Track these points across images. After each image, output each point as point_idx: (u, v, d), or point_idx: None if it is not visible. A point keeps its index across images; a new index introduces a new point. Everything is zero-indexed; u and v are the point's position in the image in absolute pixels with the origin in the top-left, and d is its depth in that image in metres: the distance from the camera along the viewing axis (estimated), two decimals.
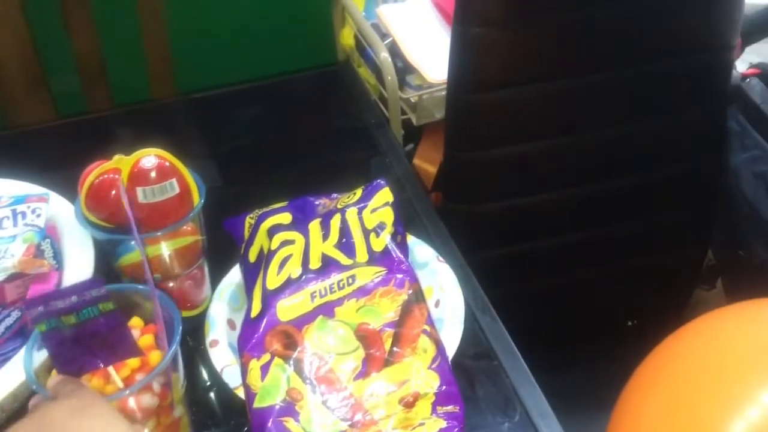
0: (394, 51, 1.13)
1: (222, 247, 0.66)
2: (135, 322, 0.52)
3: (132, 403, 0.47)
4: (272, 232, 0.63)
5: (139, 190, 0.55)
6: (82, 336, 0.46)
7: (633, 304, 1.09)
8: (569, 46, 0.85)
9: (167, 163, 0.56)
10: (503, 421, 0.58)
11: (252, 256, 0.64)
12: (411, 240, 0.69)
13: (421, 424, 0.53)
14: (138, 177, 0.55)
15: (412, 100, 1.11)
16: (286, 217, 0.65)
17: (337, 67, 1.11)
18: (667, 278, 1.08)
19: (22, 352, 0.52)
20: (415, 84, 1.13)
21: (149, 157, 0.55)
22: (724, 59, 0.89)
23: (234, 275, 0.66)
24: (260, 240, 0.64)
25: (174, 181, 0.56)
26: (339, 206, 0.66)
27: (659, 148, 0.95)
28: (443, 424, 0.53)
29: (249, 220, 0.66)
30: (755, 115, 0.90)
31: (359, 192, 0.67)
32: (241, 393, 0.56)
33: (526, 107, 0.87)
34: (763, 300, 0.72)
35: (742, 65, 1.05)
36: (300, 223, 0.65)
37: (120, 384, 0.49)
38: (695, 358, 0.62)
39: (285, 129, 0.95)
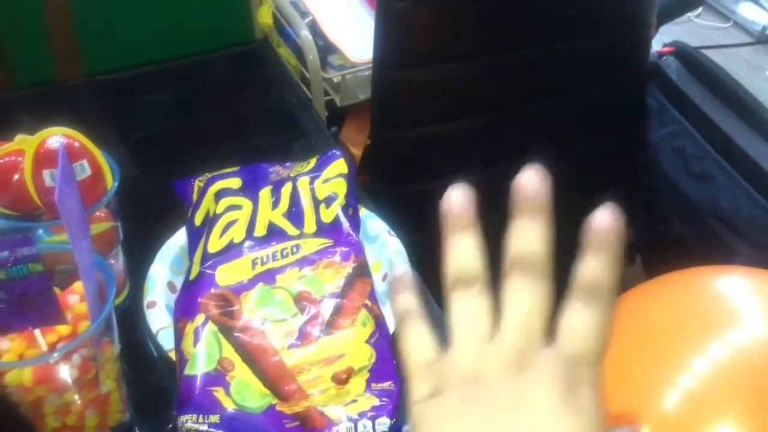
0: (315, 30, 1.09)
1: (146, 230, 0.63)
2: (76, 287, 0.48)
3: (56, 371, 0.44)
4: (219, 195, 0.62)
5: (46, 173, 0.50)
6: (11, 294, 0.42)
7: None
8: (490, 22, 0.85)
9: (77, 144, 0.51)
10: None
11: (198, 220, 0.62)
12: (363, 213, 0.67)
13: (354, 402, 0.51)
14: (44, 158, 0.50)
15: (335, 80, 1.08)
16: (235, 182, 0.64)
17: (255, 46, 1.07)
18: None
19: None
20: (337, 64, 1.10)
21: (56, 137, 0.50)
22: (642, 36, 0.91)
23: (179, 237, 0.64)
24: (207, 203, 0.62)
25: (85, 162, 0.51)
26: (291, 174, 0.65)
27: (581, 125, 0.96)
28: (376, 401, 0.51)
29: (198, 183, 0.65)
30: (672, 92, 0.92)
31: (313, 161, 0.66)
32: (173, 356, 0.54)
33: (450, 84, 0.87)
34: (683, 271, 0.74)
35: (656, 45, 1.08)
36: (249, 189, 0.63)
37: (44, 348, 0.46)
38: (623, 333, 0.62)
39: (201, 112, 0.90)
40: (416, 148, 0.90)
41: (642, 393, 0.54)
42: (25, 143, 0.51)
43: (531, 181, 0.31)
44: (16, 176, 0.52)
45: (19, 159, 0.52)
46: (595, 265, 0.30)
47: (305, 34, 1.04)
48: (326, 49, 1.09)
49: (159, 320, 0.58)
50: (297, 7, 1.12)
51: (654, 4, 0.90)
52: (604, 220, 0.30)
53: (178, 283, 0.60)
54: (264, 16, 1.18)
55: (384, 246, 0.66)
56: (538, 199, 0.31)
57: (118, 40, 0.99)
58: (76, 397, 0.47)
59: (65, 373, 0.45)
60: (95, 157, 0.52)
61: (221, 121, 0.89)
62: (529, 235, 0.31)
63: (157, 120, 0.90)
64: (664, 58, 0.96)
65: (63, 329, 0.47)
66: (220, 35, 1.00)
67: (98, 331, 0.46)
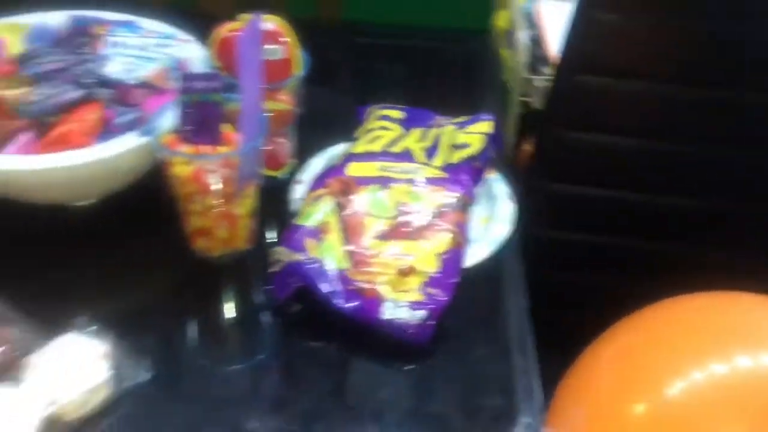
0: (537, 41, 1.20)
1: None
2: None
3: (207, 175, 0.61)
4: (380, 118, 0.77)
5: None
6: (196, 114, 0.61)
7: None
8: (694, 54, 0.87)
9: (280, 31, 0.68)
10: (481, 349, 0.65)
11: (358, 134, 0.76)
12: (493, 176, 0.77)
13: (405, 291, 0.61)
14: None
15: (541, 85, 1.18)
16: (398, 114, 0.78)
17: (483, 37, 1.21)
18: None
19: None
20: (546, 74, 1.19)
21: (267, 22, 0.67)
22: None
23: (344, 147, 0.78)
24: (370, 121, 0.77)
25: (280, 47, 0.68)
26: (443, 123, 0.77)
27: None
28: (423, 299, 0.61)
29: (372, 109, 0.80)
30: None
31: (467, 118, 0.78)
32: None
33: (631, 100, 0.91)
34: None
35: None
36: (406, 122, 0.77)
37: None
38: (647, 333, 0.65)
39: (417, 75, 1.05)
40: (580, 152, 0.95)
41: (650, 377, 0.57)
42: (243, 20, 0.68)
43: None
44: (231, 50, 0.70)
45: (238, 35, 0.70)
46: None
47: (527, 42, 1.15)
48: (541, 60, 1.19)
49: (298, 192, 0.74)
50: (529, 18, 1.23)
51: None
52: None
53: None
54: (501, 20, 1.31)
55: (497, 206, 0.75)
56: None
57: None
58: (215, 203, 0.63)
59: (214, 179, 0.62)
60: (291, 48, 0.69)
61: (425, 80, 1.03)
62: None
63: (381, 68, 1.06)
64: None
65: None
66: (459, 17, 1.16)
67: (244, 160, 0.62)
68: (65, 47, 0.71)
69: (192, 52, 0.74)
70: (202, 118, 0.63)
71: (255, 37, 0.60)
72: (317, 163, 0.78)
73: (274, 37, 0.68)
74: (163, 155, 0.62)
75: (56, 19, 0.78)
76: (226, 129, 0.64)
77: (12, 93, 0.65)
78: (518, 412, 0.58)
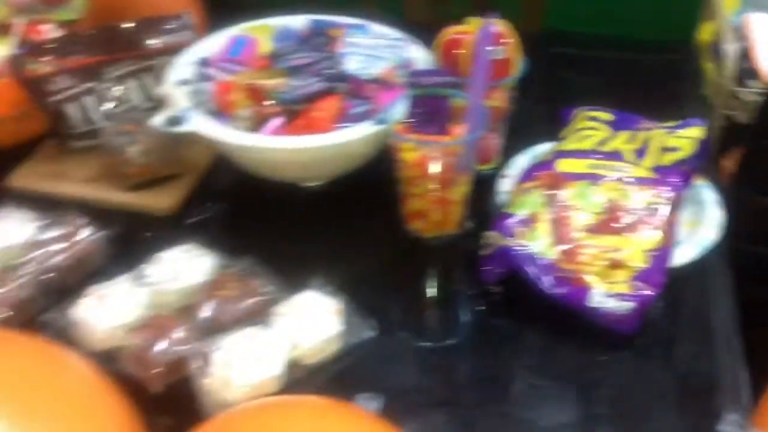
0: (745, 54, 1.16)
1: None
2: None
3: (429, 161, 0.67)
4: (589, 119, 0.80)
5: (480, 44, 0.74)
6: (422, 106, 0.67)
7: None
8: None
9: (504, 33, 0.73)
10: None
11: (565, 133, 0.80)
12: (700, 182, 0.78)
13: (613, 283, 0.64)
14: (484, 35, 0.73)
15: (748, 98, 1.14)
16: (607, 116, 0.81)
17: (686, 49, 1.19)
18: None
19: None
20: (753, 88, 1.16)
21: (493, 26, 0.73)
22: None
23: (549, 146, 0.82)
24: (579, 121, 0.81)
25: (502, 48, 0.73)
26: (651, 127, 0.79)
27: None
28: (630, 290, 0.63)
29: (580, 111, 0.83)
30: None
31: (677, 123, 0.79)
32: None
33: None
34: None
35: None
36: (615, 125, 0.79)
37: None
38: None
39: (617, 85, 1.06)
40: None
41: None
42: (472, 23, 0.74)
43: None
44: (460, 50, 0.76)
45: (465, 37, 0.76)
46: None
47: (733, 52, 1.12)
48: (749, 73, 1.15)
49: (504, 185, 0.79)
50: (737, 31, 1.20)
51: None
52: None
53: None
54: (705, 32, 1.28)
55: (704, 212, 0.75)
56: None
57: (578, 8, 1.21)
58: (433, 187, 0.69)
59: (434, 166, 0.68)
60: (512, 49, 0.73)
61: (626, 90, 1.03)
62: None
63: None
64: None
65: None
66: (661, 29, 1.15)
67: (464, 150, 0.67)
68: (308, 46, 0.81)
69: (416, 53, 0.82)
70: (429, 110, 0.70)
71: (488, 38, 0.66)
72: (521, 160, 0.83)
73: (498, 38, 0.74)
74: (394, 141, 0.69)
75: (298, 21, 0.89)
76: (451, 121, 0.70)
77: (269, 83, 0.75)
78: (725, 408, 0.59)
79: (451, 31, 0.78)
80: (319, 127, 0.73)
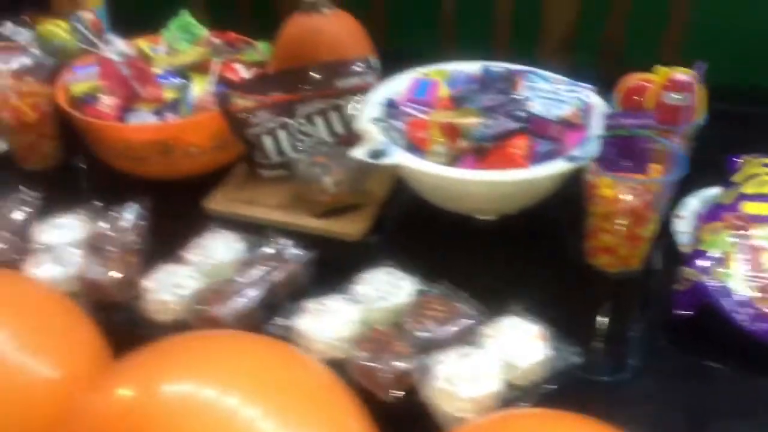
0: None
1: None
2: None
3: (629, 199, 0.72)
4: (762, 165, 0.83)
5: (666, 94, 0.78)
6: (623, 146, 0.72)
7: None
8: None
9: (691, 81, 0.77)
10: None
11: (738, 178, 0.83)
12: None
13: None
14: (670, 84, 0.78)
15: None
16: None
17: None
18: None
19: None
20: None
21: (682, 74, 0.78)
22: None
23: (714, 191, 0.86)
24: (750, 168, 0.84)
25: (690, 95, 0.78)
26: None
27: None
28: None
29: (749, 158, 0.86)
30: None
31: None
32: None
33: None
34: None
35: None
36: None
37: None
38: None
39: None
40: None
41: None
42: (659, 72, 0.79)
43: None
44: (641, 97, 0.81)
45: (649, 85, 0.80)
46: None
47: None
48: None
49: (680, 226, 0.82)
50: None
51: None
52: None
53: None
54: None
55: None
56: None
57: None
58: (625, 222, 0.73)
59: (626, 202, 0.72)
60: (698, 96, 0.78)
61: None
62: None
63: None
64: None
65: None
66: None
67: (663, 189, 0.71)
68: (493, 89, 0.87)
69: (593, 98, 0.87)
70: (621, 151, 0.74)
71: (694, 85, 0.70)
72: (693, 202, 0.86)
73: (686, 86, 0.78)
74: (593, 177, 0.74)
75: (471, 67, 0.95)
76: (647, 161, 0.74)
77: (464, 122, 0.81)
78: None
79: (635, 78, 0.83)
80: (515, 163, 0.78)
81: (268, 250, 0.80)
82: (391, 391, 0.65)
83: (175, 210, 0.90)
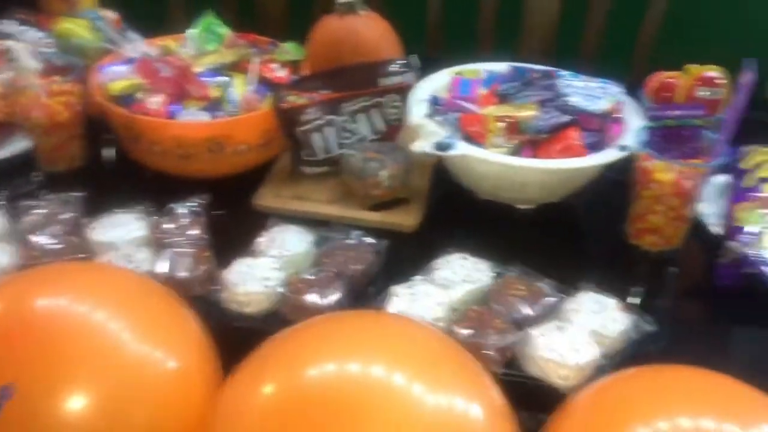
0: None
1: None
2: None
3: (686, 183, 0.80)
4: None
5: (699, 88, 0.87)
6: (676, 134, 0.79)
7: None
8: None
9: (720, 76, 0.87)
10: None
11: (744, 164, 0.93)
12: None
13: None
14: (701, 80, 0.87)
15: None
16: None
17: None
18: None
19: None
20: None
21: (714, 73, 0.87)
22: None
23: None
24: (756, 156, 0.93)
25: (720, 90, 0.87)
26: None
27: None
28: None
29: (751, 148, 0.95)
30: None
31: None
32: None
33: None
34: None
35: None
36: None
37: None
38: None
39: None
40: None
41: None
42: (689, 70, 0.88)
43: None
44: (670, 93, 0.90)
45: (677, 82, 0.89)
46: None
47: None
48: None
49: (706, 209, 0.91)
50: None
51: None
52: None
53: None
54: None
55: None
56: None
57: None
58: (676, 204, 0.82)
59: (680, 185, 0.80)
60: (726, 90, 0.88)
61: None
62: None
63: None
64: None
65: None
66: None
67: (706, 173, 0.80)
68: (537, 86, 0.93)
69: (623, 94, 0.95)
70: (674, 139, 0.82)
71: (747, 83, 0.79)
72: (706, 189, 0.95)
73: (714, 81, 0.88)
74: (646, 163, 0.81)
75: (499, 67, 1.01)
76: (691, 149, 0.83)
77: (522, 115, 0.87)
78: None
79: (663, 77, 0.91)
80: (574, 152, 0.84)
81: (347, 240, 0.82)
82: (496, 365, 0.70)
83: (225, 207, 0.91)
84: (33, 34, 1.08)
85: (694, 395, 0.58)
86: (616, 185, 0.88)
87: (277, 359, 0.59)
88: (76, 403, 0.57)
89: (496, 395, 0.61)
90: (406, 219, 0.91)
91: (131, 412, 0.59)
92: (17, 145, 1.00)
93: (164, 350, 0.63)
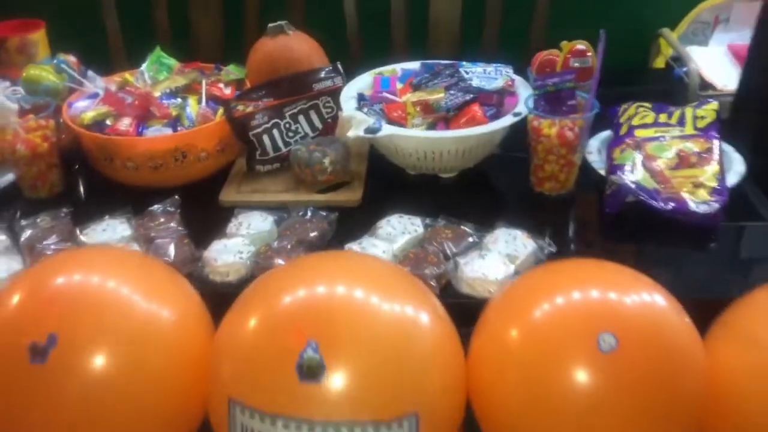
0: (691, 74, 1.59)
1: None
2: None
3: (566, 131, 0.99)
4: (637, 107, 1.14)
5: (572, 60, 1.08)
6: (553, 98, 0.99)
7: None
8: None
9: (588, 48, 1.08)
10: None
11: (621, 119, 1.13)
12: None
13: (699, 197, 0.97)
14: (573, 53, 1.08)
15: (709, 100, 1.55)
16: (648, 105, 1.14)
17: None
18: None
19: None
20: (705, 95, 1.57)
21: (581, 46, 1.08)
22: None
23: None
24: (629, 111, 1.14)
25: (589, 59, 1.08)
26: (673, 110, 1.14)
27: None
28: (712, 199, 0.96)
29: (625, 106, 1.16)
30: None
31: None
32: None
33: None
34: None
35: None
36: (654, 110, 1.13)
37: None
38: None
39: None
40: None
41: None
42: (565, 46, 1.08)
43: None
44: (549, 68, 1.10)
45: (555, 57, 1.10)
46: None
47: (694, 71, 1.53)
48: (700, 86, 1.57)
49: (593, 158, 1.11)
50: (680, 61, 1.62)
51: None
52: None
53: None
54: (658, 63, 1.71)
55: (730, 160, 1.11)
56: None
57: None
58: (564, 152, 1.01)
59: (571, 135, 1.00)
60: (593, 60, 1.08)
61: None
62: None
63: None
64: None
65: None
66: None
67: (585, 124, 1.00)
68: (442, 75, 1.13)
69: (512, 73, 1.15)
70: (549, 104, 1.02)
71: (602, 49, 0.99)
72: (594, 143, 1.15)
73: (584, 53, 1.08)
74: (537, 122, 1.01)
75: (412, 65, 1.20)
76: (569, 108, 1.03)
77: (433, 97, 1.06)
78: None
79: (544, 54, 1.12)
80: (478, 121, 1.04)
81: (303, 215, 0.99)
82: (435, 290, 0.87)
83: (195, 207, 1.06)
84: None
85: (581, 274, 0.76)
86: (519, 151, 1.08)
87: (255, 295, 0.75)
88: (104, 349, 0.72)
89: (438, 305, 0.78)
90: (351, 196, 1.08)
91: (147, 355, 0.74)
92: (1, 179, 1.14)
93: (169, 308, 0.78)
